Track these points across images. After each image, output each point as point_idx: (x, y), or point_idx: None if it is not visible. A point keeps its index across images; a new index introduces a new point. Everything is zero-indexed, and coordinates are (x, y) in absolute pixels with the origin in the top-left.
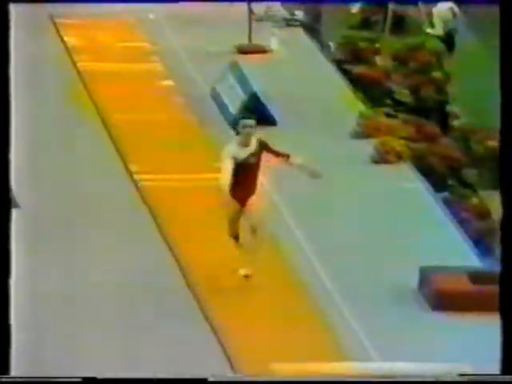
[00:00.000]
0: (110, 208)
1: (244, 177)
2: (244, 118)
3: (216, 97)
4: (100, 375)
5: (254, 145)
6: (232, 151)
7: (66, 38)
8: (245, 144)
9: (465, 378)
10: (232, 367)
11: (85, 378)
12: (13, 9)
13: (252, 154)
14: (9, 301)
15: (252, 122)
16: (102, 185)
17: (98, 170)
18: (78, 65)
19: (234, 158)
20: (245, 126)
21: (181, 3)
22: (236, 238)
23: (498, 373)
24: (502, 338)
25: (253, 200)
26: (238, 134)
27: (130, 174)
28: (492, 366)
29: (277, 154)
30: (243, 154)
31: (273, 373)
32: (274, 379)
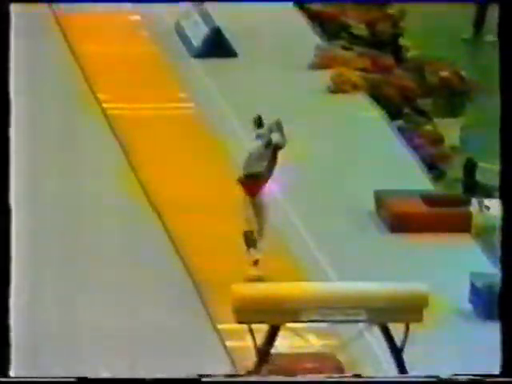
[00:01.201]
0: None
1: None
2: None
3: (180, 31)
4: (97, 375)
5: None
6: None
7: None
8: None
9: (465, 378)
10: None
11: (83, 378)
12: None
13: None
14: (8, 301)
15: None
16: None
17: (70, 102)
18: None
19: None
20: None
21: None
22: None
23: (498, 373)
24: (502, 339)
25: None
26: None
27: (99, 102)
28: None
29: None
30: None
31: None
32: (269, 379)
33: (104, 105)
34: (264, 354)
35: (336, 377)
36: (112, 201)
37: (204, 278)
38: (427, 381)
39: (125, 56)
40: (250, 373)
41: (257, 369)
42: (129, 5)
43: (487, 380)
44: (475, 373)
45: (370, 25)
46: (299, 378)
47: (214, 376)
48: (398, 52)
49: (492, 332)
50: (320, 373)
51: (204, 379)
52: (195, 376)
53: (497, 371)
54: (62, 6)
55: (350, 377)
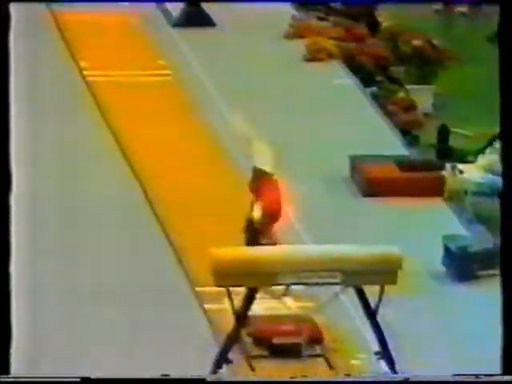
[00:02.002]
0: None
1: None
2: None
3: (160, 1)
4: (99, 375)
5: None
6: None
7: None
8: None
9: (465, 378)
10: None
11: (84, 378)
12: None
13: None
14: (10, 301)
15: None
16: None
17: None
18: None
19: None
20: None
21: None
22: None
23: (498, 373)
24: (502, 339)
25: None
26: None
27: (80, 70)
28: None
29: None
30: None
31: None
32: (273, 379)
33: (86, 72)
34: (242, 316)
35: (337, 377)
36: (91, 162)
37: (185, 242)
38: (429, 381)
39: (107, 26)
40: (228, 335)
41: (234, 330)
42: None
43: (487, 380)
44: (475, 373)
45: None
46: (303, 379)
47: (219, 376)
48: (373, 24)
49: (464, 292)
50: (296, 334)
51: (208, 379)
52: (200, 376)
53: (466, 328)
54: None
55: (358, 377)
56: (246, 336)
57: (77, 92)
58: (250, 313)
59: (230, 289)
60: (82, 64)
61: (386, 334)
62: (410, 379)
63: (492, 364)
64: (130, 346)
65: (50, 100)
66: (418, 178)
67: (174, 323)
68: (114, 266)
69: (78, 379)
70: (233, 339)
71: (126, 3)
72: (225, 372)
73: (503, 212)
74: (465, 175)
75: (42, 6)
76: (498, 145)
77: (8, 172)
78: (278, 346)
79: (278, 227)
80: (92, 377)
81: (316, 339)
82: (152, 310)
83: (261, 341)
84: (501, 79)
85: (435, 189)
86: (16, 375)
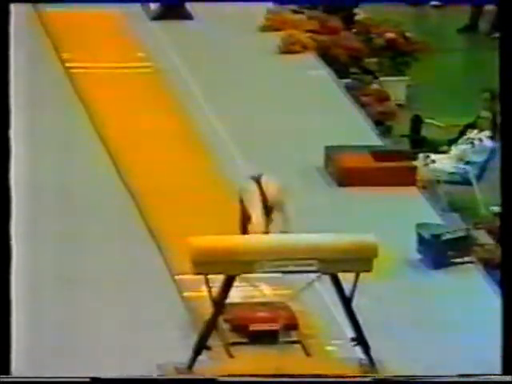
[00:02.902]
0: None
1: None
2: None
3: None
4: (101, 375)
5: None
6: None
7: None
8: None
9: (465, 378)
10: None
11: (85, 378)
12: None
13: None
14: (10, 301)
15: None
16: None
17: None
18: None
19: None
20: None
21: None
22: None
23: (498, 373)
24: (502, 338)
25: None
26: None
27: (63, 61)
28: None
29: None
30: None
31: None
32: (288, 380)
33: (67, 64)
34: (219, 303)
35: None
36: (75, 155)
37: (164, 232)
38: (428, 381)
39: (86, 18)
40: (206, 322)
41: (213, 317)
42: None
43: (487, 380)
44: (475, 373)
45: None
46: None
47: (231, 376)
48: (347, 17)
49: (439, 280)
50: (273, 321)
51: (220, 379)
52: (212, 376)
53: (441, 313)
54: None
55: (356, 376)
56: (223, 323)
57: (59, 83)
58: (228, 300)
59: (208, 276)
60: (65, 56)
61: (360, 320)
62: (410, 379)
63: (465, 349)
64: (113, 334)
65: (32, 92)
66: (391, 167)
67: (154, 310)
68: (94, 255)
69: (81, 379)
70: (211, 326)
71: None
72: (204, 359)
73: (503, 212)
74: (437, 165)
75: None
76: (470, 134)
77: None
78: (255, 332)
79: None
80: (97, 377)
81: (292, 326)
82: (132, 298)
83: (238, 328)
84: (501, 79)
85: (409, 178)
86: (17, 375)
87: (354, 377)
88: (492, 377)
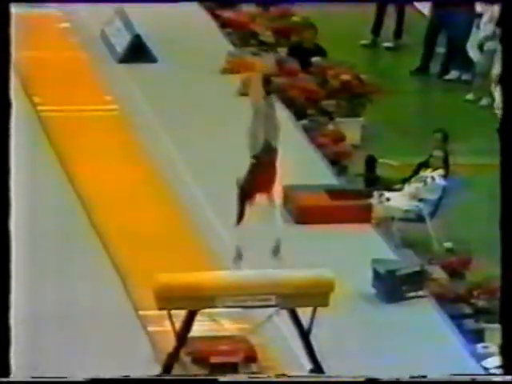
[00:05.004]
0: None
1: None
2: None
3: (105, 37)
4: (102, 375)
5: None
6: None
7: None
8: None
9: (464, 378)
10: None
11: (86, 379)
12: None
13: None
14: (9, 301)
15: None
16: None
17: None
18: None
19: None
20: None
21: None
22: None
23: (498, 373)
24: (502, 338)
25: None
26: None
27: (34, 105)
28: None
29: None
30: None
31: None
32: (288, 380)
33: (38, 107)
34: (182, 337)
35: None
36: (41, 192)
37: (129, 269)
38: (427, 380)
39: (55, 61)
40: (168, 355)
41: (175, 350)
42: (58, 12)
43: (487, 380)
44: (474, 373)
45: (276, 33)
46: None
47: (232, 376)
48: (303, 57)
49: (393, 313)
50: (233, 354)
51: (221, 379)
52: (213, 376)
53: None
54: None
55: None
56: (185, 356)
57: (29, 126)
58: (190, 334)
59: (171, 312)
60: (33, 99)
61: (318, 352)
62: (409, 379)
63: None
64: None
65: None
66: (347, 205)
67: (120, 345)
68: (59, 290)
69: (82, 380)
70: (173, 359)
71: None
72: None
73: (503, 213)
74: (392, 202)
75: None
76: (423, 173)
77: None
78: (216, 364)
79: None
80: (98, 377)
81: (251, 358)
82: (97, 332)
83: (199, 360)
84: (501, 80)
85: (364, 216)
86: (16, 378)
87: (353, 377)
88: (492, 377)
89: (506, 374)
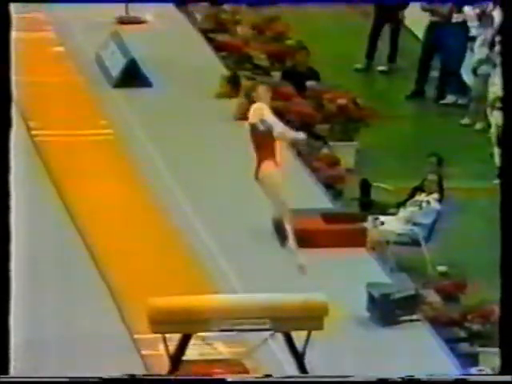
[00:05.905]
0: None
1: None
2: None
3: (100, 61)
4: (104, 374)
5: None
6: None
7: None
8: None
9: (464, 378)
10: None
11: (88, 378)
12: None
13: None
14: (9, 301)
15: None
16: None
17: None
18: None
19: None
20: None
21: None
22: None
23: (498, 373)
24: (502, 338)
25: None
26: None
27: (29, 129)
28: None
29: None
30: None
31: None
32: (288, 380)
33: (32, 131)
34: (176, 360)
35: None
36: (37, 218)
37: (124, 293)
38: (427, 381)
39: (50, 85)
40: None
41: (169, 374)
42: (53, 35)
43: (487, 380)
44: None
45: (270, 56)
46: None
47: (240, 377)
48: (298, 82)
49: (388, 337)
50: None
51: (229, 379)
52: (221, 376)
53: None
54: None
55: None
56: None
57: (24, 150)
58: (184, 357)
59: (166, 335)
60: (29, 123)
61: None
62: (408, 379)
63: None
64: None
65: None
66: (341, 229)
67: (114, 368)
68: (54, 314)
69: (82, 379)
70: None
71: None
72: None
73: (503, 213)
74: (386, 226)
75: None
76: (418, 197)
77: None
78: None
79: None
80: (101, 376)
81: None
82: (92, 356)
83: None
84: (501, 80)
85: (358, 240)
86: (15, 375)
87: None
88: (492, 377)
89: (506, 374)
